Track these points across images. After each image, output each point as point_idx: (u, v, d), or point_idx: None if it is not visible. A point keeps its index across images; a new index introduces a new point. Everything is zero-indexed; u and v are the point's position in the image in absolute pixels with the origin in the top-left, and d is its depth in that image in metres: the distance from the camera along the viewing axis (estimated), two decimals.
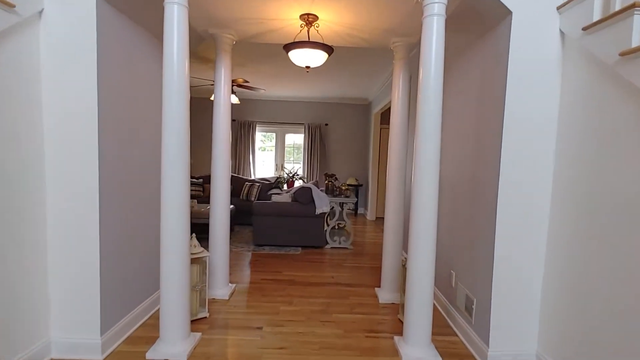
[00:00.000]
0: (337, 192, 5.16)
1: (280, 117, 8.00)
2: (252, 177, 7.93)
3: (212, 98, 5.46)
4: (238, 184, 6.50)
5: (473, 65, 2.44)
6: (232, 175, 6.64)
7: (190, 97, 5.93)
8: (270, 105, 7.99)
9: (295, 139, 8.15)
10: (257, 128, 7.97)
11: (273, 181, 6.50)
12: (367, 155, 7.89)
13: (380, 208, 7.52)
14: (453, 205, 2.71)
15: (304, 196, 4.69)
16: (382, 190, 7.53)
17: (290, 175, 6.38)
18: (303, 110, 8.03)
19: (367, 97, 7.58)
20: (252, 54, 4.56)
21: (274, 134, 8.14)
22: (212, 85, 5.76)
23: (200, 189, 6.39)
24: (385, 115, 7.41)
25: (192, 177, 6.67)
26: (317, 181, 5.68)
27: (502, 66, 2.02)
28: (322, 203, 4.69)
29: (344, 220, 4.97)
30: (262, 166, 8.20)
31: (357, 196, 7.67)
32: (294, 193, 4.80)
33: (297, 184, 6.66)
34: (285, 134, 8.12)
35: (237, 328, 2.48)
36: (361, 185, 7.65)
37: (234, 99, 5.67)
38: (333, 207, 4.89)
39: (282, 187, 6.37)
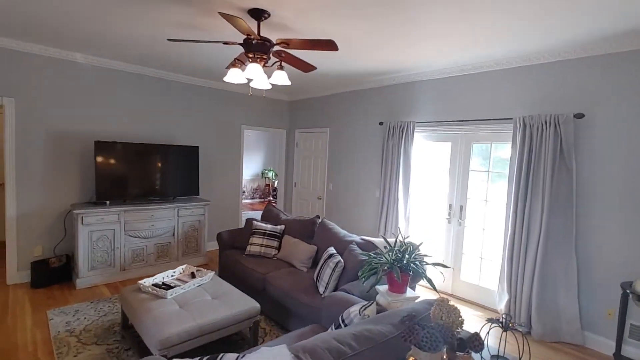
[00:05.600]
0: None
1: (460, 109, 3.87)
2: (385, 232, 4.32)
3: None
4: (323, 240, 3.34)
5: None
6: (323, 222, 3.53)
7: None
8: (440, 87, 4.05)
9: (496, 155, 3.72)
10: (415, 133, 4.27)
11: (389, 256, 2.79)
12: None
13: None
14: None
15: None
16: None
17: (407, 259, 2.29)
18: (511, 87, 3.49)
19: None
20: None
21: (448, 144, 4.10)
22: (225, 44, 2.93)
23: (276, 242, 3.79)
24: None
25: (267, 221, 4.16)
26: None
27: None
28: None
29: None
30: (428, 201, 4.36)
31: None
32: None
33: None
34: (471, 143, 3.89)
35: None
36: None
37: (277, 78, 2.66)
38: None
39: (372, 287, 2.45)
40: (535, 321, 3.15)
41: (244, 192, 10.87)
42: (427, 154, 4.33)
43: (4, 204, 3.81)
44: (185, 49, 3.61)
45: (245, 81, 2.71)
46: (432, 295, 4.01)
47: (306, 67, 3.04)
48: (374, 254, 2.39)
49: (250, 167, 11.12)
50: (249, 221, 4.05)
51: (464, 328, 1.46)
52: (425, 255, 2.29)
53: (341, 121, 5.34)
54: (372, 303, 1.96)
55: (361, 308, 1.84)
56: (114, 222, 3.99)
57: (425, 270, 2.15)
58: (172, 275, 3.01)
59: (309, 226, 3.76)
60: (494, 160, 3.72)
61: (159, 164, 4.50)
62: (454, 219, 3.99)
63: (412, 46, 3.21)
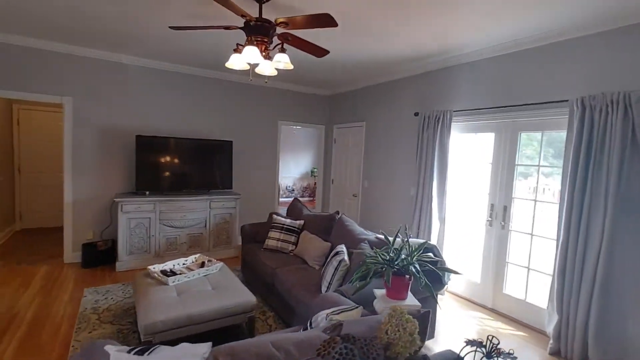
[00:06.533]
0: None
1: (504, 93, 3.32)
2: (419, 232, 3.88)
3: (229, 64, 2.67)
4: (338, 238, 3.10)
5: None
6: (341, 219, 3.28)
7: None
8: (480, 70, 3.53)
9: (548, 146, 3.10)
10: (452, 123, 3.79)
11: (383, 255, 2.48)
12: None
13: None
14: None
15: None
16: None
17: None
18: (567, 64, 2.86)
19: None
20: None
21: (490, 135, 3.54)
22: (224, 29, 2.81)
23: (294, 237, 3.66)
24: None
25: (286, 216, 4.05)
26: None
27: None
28: None
29: None
30: (466, 200, 3.83)
31: None
32: None
33: None
34: (517, 132, 3.30)
35: None
36: None
37: (278, 62, 2.52)
38: None
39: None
40: (592, 349, 2.53)
41: (293, 190, 10.97)
42: (467, 147, 3.82)
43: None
44: (212, 43, 3.67)
45: (247, 67, 2.62)
46: (458, 307, 3.51)
47: (317, 50, 2.85)
48: (372, 252, 2.11)
49: (300, 166, 11.16)
50: (271, 215, 3.98)
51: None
52: (431, 258, 1.94)
53: (377, 114, 5.02)
54: (356, 308, 1.71)
55: (333, 312, 1.60)
56: (149, 211, 4.24)
57: (443, 275, 1.81)
58: (183, 264, 3.06)
59: (327, 222, 3.55)
60: (546, 153, 3.11)
61: (194, 158, 4.68)
62: (496, 222, 3.44)
63: (445, 24, 2.81)
